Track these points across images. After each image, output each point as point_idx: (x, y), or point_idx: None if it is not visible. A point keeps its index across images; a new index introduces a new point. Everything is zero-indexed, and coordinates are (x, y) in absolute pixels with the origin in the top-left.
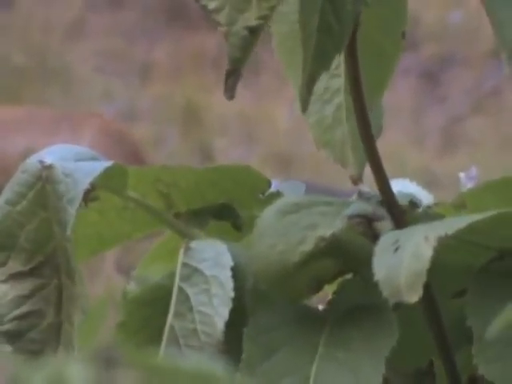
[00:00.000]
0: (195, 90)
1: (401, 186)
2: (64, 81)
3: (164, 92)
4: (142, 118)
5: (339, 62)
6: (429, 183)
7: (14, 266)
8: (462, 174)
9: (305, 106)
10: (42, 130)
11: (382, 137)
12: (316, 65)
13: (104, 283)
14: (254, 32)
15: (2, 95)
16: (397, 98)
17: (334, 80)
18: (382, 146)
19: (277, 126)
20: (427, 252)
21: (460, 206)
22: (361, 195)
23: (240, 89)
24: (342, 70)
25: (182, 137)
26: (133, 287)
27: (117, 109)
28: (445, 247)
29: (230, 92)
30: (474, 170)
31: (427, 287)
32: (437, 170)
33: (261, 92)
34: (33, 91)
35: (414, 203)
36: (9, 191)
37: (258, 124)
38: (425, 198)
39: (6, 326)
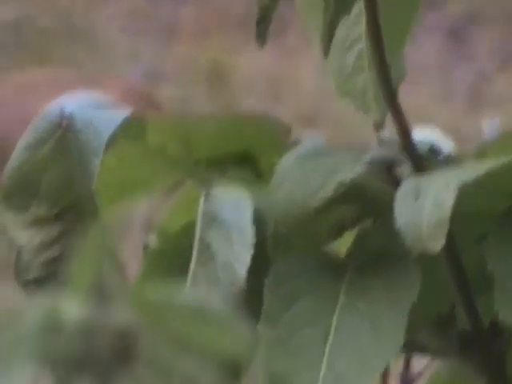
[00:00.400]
0: (221, 50)
1: (422, 135)
2: (90, 42)
3: (190, 53)
4: (167, 79)
5: (360, 9)
6: (455, 140)
7: (38, 211)
8: (485, 124)
9: (326, 51)
10: (65, 94)
11: (409, 94)
12: (337, 8)
13: (132, 246)
14: None
15: (28, 57)
16: (423, 56)
17: (354, 28)
18: (409, 103)
19: (303, 85)
20: (448, 200)
21: (481, 156)
22: (381, 142)
23: (266, 49)
24: (362, 18)
25: (208, 98)
26: (153, 239)
27: (143, 70)
28: (465, 193)
29: (260, 40)
30: (497, 121)
31: (449, 234)
32: (463, 128)
33: (287, 52)
34: (59, 53)
35: (434, 150)
36: (28, 137)
37: (284, 84)
38: (446, 146)
39: (34, 272)
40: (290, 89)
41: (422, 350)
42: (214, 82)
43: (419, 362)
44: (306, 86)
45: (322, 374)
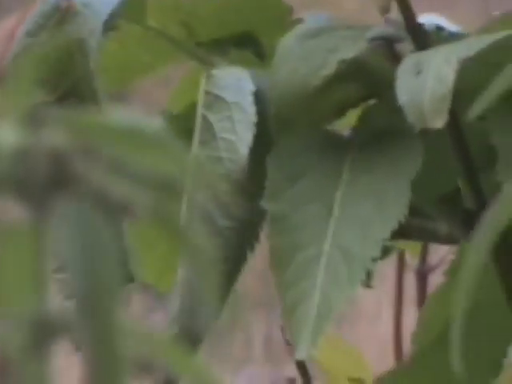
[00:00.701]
0: None
1: (427, 19)
2: None
3: None
4: None
5: None
6: None
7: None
8: None
9: None
10: None
11: None
12: None
13: None
14: None
15: None
16: None
17: None
18: None
19: None
20: (450, 74)
21: (486, 32)
22: (386, 20)
23: None
24: None
25: None
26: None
27: None
28: (468, 70)
29: None
30: None
31: (452, 111)
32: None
33: None
34: None
35: (439, 28)
36: (29, 23)
37: None
38: (452, 28)
39: None
40: None
41: (431, 236)
42: None
43: (435, 255)
44: None
45: (326, 247)
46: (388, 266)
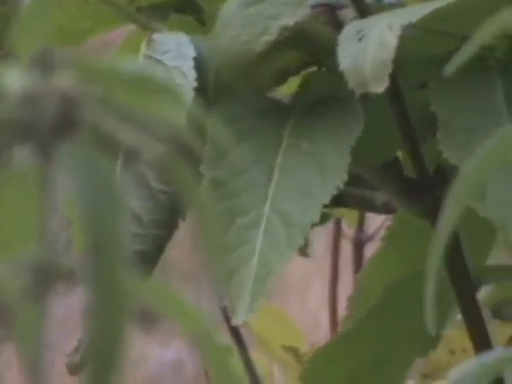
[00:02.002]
0: None
1: None
2: None
3: None
4: None
5: None
6: None
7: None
8: None
9: None
10: None
11: None
12: None
13: None
14: None
15: None
16: None
17: None
18: None
19: None
20: (392, 40)
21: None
22: None
23: None
24: None
25: None
26: None
27: None
28: (409, 37)
29: None
30: None
31: (393, 78)
32: None
33: None
34: None
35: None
36: None
37: None
38: None
39: None
40: None
41: (368, 205)
42: None
43: (372, 224)
44: None
45: (266, 212)
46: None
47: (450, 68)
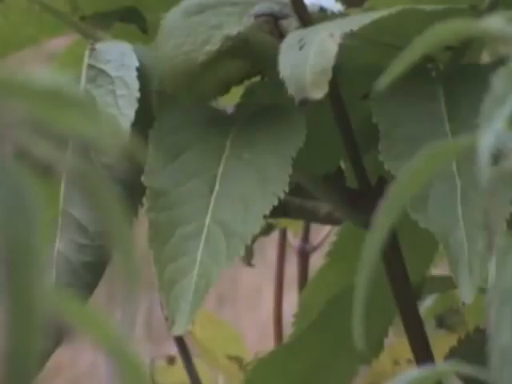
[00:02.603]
0: None
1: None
2: None
3: None
4: None
5: None
6: None
7: None
8: None
9: None
10: None
11: None
12: None
13: None
14: None
15: None
16: None
17: None
18: None
19: None
20: (332, 48)
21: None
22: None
23: None
24: None
25: None
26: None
27: None
28: (351, 48)
29: None
30: None
31: (334, 88)
32: None
33: None
34: None
35: (323, 10)
36: None
37: None
38: (336, 8)
39: None
40: None
41: (311, 215)
42: None
43: (317, 236)
44: None
45: (207, 222)
46: (270, 246)
47: (384, 80)
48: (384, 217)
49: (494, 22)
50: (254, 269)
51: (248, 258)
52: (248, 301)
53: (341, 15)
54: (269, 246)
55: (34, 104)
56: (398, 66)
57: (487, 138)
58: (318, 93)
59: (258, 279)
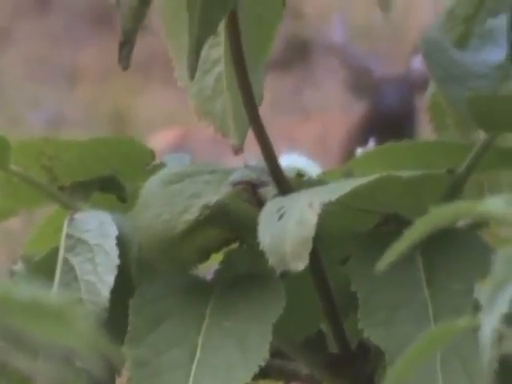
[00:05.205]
0: (123, 93)
1: (290, 160)
2: None
3: (92, 97)
4: (71, 123)
5: (219, 30)
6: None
7: None
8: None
9: (193, 73)
10: None
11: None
12: (202, 29)
13: None
14: (144, 2)
15: None
16: None
17: (213, 50)
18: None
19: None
20: (312, 219)
21: (348, 174)
22: (246, 166)
23: (166, 89)
24: (221, 39)
25: None
26: (19, 266)
27: (45, 115)
28: (330, 213)
29: (124, 62)
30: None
31: (314, 254)
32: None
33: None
34: None
35: (300, 175)
36: None
37: (186, 125)
38: (314, 170)
39: None
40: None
41: (291, 376)
42: (116, 125)
43: None
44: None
45: None
46: None
47: (381, 264)
48: None
49: (496, 205)
50: None
51: None
52: None
53: (319, 181)
54: None
55: (12, 315)
56: (398, 247)
57: (490, 322)
58: (299, 265)
59: None
